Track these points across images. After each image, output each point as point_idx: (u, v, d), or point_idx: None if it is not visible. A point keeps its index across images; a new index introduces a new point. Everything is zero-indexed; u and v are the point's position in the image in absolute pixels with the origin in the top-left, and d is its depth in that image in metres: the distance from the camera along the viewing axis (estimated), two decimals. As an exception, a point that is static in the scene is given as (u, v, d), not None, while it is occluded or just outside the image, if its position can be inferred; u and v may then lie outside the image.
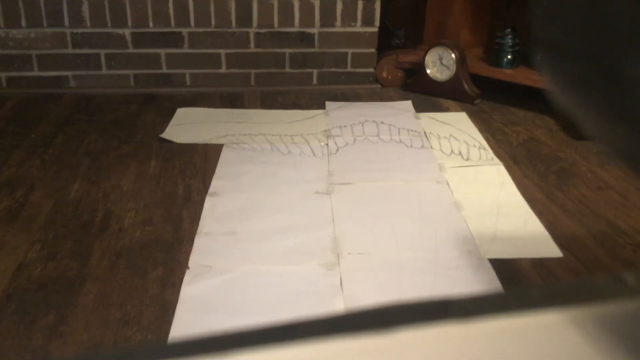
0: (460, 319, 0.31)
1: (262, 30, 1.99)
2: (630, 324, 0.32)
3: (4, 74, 1.96)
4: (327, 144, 1.56)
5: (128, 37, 1.95)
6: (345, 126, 1.66)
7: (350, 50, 2.05)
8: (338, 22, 2.00)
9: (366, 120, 1.70)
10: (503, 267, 1.06)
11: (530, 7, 0.34)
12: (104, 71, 1.99)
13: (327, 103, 1.88)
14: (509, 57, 1.87)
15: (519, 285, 1.02)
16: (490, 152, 1.53)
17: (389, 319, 0.30)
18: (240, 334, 0.29)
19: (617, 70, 0.29)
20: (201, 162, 1.47)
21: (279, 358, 0.28)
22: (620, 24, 0.29)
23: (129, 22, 1.94)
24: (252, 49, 2.01)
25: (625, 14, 0.28)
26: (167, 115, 1.75)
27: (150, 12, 1.93)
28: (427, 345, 0.30)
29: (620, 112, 0.31)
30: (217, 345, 0.29)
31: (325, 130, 1.65)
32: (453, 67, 1.91)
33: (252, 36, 1.99)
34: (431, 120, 1.74)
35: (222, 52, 2.00)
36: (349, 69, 2.07)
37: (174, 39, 1.97)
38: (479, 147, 1.55)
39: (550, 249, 1.12)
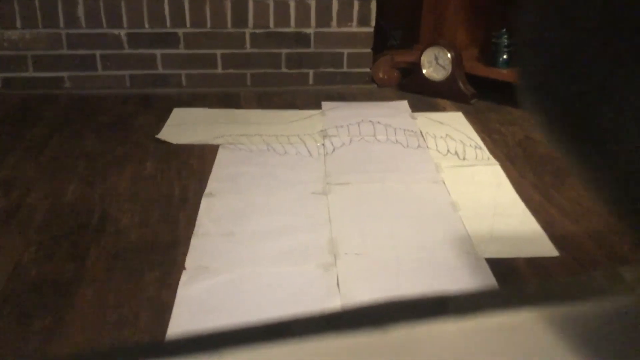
0: (457, 315, 0.31)
1: (258, 31, 1.99)
2: (627, 322, 0.32)
3: (-1, 75, 1.96)
4: (323, 144, 1.56)
5: (124, 38, 1.95)
6: (341, 126, 1.66)
7: (346, 51, 2.05)
8: (334, 22, 2.00)
9: (362, 120, 1.70)
10: (500, 267, 1.06)
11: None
12: (100, 72, 1.98)
13: (324, 103, 1.88)
14: (505, 56, 1.88)
15: (515, 285, 1.02)
16: (486, 152, 1.53)
17: (386, 315, 0.30)
18: (237, 332, 0.29)
19: (591, 119, 0.29)
20: (197, 163, 1.47)
21: (276, 356, 0.28)
22: (592, 72, 0.28)
23: (125, 23, 1.93)
24: (248, 49, 2.01)
25: (597, 63, 0.28)
26: (163, 116, 1.75)
27: (145, 12, 1.93)
28: (424, 342, 0.30)
29: (595, 157, 0.31)
30: (213, 343, 0.29)
31: (322, 131, 1.65)
32: (449, 67, 1.91)
33: (248, 36, 1.99)
34: (427, 120, 1.74)
35: (218, 52, 2.00)
36: (345, 69, 2.07)
37: (170, 40, 1.97)
38: (475, 147, 1.55)
39: (547, 248, 1.12)
